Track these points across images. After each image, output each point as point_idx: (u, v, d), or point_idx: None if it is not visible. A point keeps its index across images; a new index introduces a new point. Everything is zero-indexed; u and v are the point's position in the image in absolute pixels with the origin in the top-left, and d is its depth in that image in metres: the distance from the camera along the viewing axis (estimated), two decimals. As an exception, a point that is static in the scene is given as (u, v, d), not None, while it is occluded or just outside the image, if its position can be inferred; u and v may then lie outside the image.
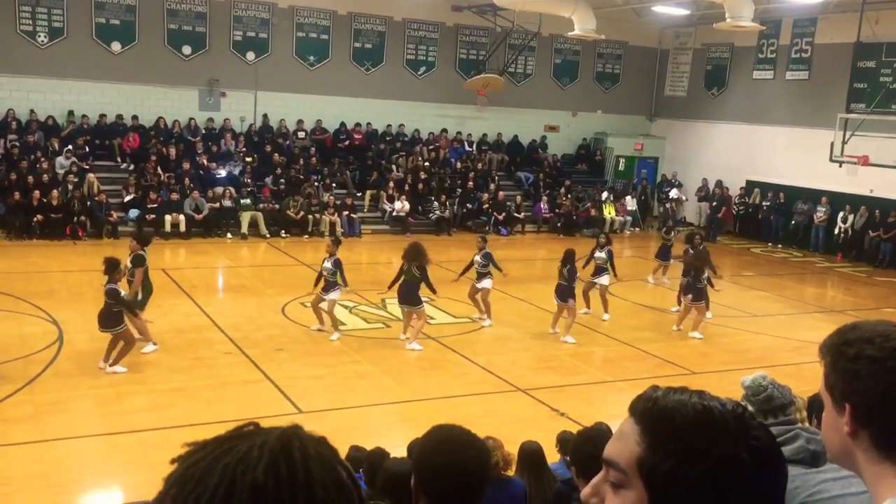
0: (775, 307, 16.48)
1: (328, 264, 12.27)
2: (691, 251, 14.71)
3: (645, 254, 19.52)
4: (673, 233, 18.44)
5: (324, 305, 12.37)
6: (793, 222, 24.04)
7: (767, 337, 14.19)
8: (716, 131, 27.12)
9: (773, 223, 24.64)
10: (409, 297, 12.23)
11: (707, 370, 11.94)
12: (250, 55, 23.63)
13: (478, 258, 13.64)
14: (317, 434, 1.04)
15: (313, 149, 23.78)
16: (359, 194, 23.38)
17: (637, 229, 26.01)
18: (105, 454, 8.28)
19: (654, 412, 1.13)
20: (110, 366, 10.34)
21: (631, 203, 26.33)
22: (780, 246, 24.11)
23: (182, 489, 0.97)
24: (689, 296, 13.81)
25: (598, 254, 14.21)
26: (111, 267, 10.26)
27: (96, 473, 8.03)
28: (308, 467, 0.98)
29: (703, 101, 27.85)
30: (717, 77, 27.50)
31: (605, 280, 14.15)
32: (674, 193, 26.87)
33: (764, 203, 24.97)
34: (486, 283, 13.56)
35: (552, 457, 6.09)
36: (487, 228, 23.21)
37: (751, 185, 25.57)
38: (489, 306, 13.66)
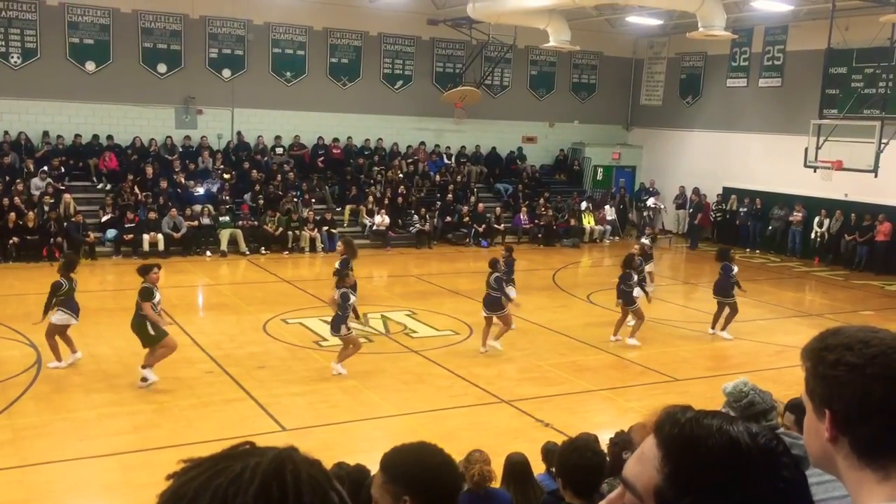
0: (754, 312, 16.56)
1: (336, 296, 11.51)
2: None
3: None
4: (648, 238, 18.51)
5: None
6: (770, 227, 24.27)
7: (748, 342, 14.28)
8: (691, 139, 27.35)
9: (751, 229, 24.85)
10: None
11: (689, 377, 12.00)
12: (226, 72, 23.57)
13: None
14: (311, 457, 1.04)
15: (290, 164, 23.72)
16: (338, 209, 23.35)
17: (616, 238, 26.13)
18: (86, 478, 8.17)
19: (678, 439, 1.10)
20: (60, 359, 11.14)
21: (610, 212, 26.47)
22: (757, 251, 24.31)
23: None
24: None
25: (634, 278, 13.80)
26: (69, 264, 11.35)
27: (78, 498, 7.93)
28: (299, 491, 0.97)
29: (678, 109, 28.08)
30: (691, 86, 27.75)
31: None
32: (651, 202, 27.06)
33: (741, 209, 25.19)
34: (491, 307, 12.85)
35: (538, 468, 6.08)
36: (468, 241, 23.24)
37: (727, 192, 25.80)
38: (484, 333, 13.06)
